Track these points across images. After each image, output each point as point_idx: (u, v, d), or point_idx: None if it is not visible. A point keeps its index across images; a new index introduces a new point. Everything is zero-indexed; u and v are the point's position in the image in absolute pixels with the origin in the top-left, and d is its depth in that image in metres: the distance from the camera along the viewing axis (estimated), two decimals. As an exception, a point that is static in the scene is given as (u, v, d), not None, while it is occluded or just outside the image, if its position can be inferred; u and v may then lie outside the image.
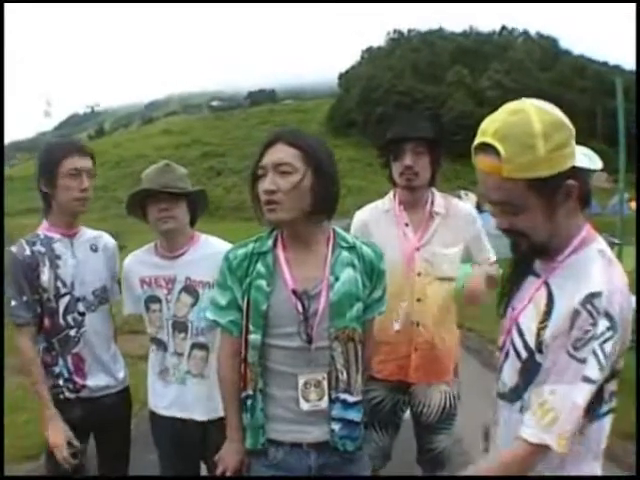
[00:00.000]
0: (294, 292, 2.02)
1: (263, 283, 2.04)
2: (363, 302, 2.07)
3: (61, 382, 2.75)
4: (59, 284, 2.73)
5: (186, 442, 2.75)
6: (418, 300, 2.87)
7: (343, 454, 2.08)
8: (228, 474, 2.17)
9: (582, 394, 1.50)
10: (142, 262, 2.83)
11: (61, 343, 2.74)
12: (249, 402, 2.08)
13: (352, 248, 2.10)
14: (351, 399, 2.05)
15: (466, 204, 3.10)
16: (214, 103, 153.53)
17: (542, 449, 1.52)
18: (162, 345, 2.76)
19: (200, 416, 2.72)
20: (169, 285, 2.74)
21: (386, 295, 2.21)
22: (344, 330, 2.02)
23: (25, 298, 2.68)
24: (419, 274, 2.90)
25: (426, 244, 2.92)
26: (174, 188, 2.66)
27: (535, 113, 1.50)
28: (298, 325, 2.01)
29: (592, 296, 1.50)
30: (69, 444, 2.63)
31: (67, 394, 2.76)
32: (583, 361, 1.49)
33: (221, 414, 2.59)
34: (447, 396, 3.01)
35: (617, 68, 73.60)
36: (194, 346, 2.72)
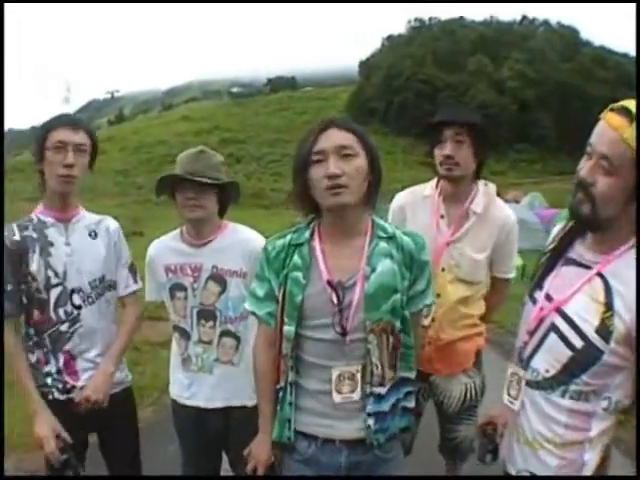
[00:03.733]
0: (329, 283, 1.97)
1: (299, 275, 2.00)
2: (402, 294, 1.99)
3: (49, 381, 2.53)
4: (50, 273, 2.50)
5: (209, 431, 2.71)
6: (437, 295, 2.72)
7: (377, 453, 2.03)
8: (260, 470, 2.11)
9: None
10: (168, 249, 2.73)
11: (52, 339, 2.52)
12: (280, 394, 2.06)
13: (391, 238, 2.03)
14: (383, 391, 2.00)
15: (509, 210, 2.94)
16: (234, 89, 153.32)
17: None
18: (185, 334, 2.69)
19: (224, 403, 2.67)
20: (195, 273, 2.65)
21: (432, 287, 2.12)
22: (379, 323, 1.95)
23: (9, 287, 2.46)
24: (443, 269, 2.83)
25: (457, 241, 2.84)
26: (204, 177, 2.51)
27: None
28: (333, 317, 1.96)
29: None
30: (58, 437, 2.42)
31: (56, 394, 2.54)
32: None
33: (247, 403, 2.59)
34: (468, 387, 2.99)
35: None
36: (223, 334, 2.66)
